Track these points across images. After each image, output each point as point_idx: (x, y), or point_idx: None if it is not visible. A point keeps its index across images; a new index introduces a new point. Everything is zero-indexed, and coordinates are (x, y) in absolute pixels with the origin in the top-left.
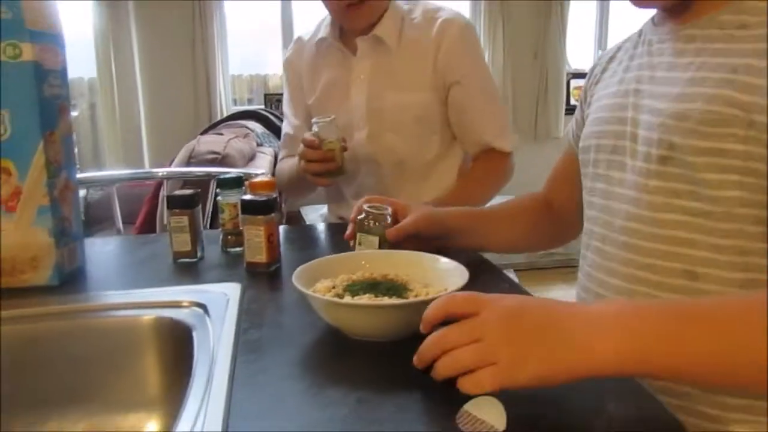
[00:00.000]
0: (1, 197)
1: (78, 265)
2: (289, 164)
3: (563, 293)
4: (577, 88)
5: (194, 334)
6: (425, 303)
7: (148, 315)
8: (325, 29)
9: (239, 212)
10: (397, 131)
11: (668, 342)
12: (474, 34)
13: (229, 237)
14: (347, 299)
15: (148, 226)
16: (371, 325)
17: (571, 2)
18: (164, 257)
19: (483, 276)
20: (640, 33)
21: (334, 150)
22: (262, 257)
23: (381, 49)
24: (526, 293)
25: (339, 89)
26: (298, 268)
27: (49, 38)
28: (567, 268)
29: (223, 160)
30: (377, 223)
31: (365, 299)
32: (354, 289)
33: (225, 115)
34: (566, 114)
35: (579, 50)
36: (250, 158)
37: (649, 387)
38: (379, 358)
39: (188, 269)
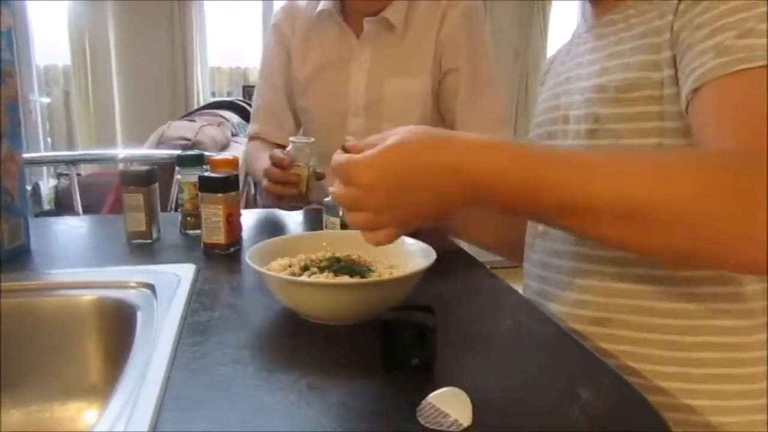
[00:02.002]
0: None
1: (21, 243)
2: (261, 158)
3: None
4: None
5: (139, 315)
6: (386, 283)
7: (90, 295)
8: (327, 2)
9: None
10: (394, 121)
11: (523, 167)
12: (478, 16)
13: (189, 218)
14: (303, 278)
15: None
16: (328, 307)
17: (553, 3)
18: (118, 238)
19: (455, 261)
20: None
21: (300, 175)
22: (220, 238)
23: (387, 32)
24: (492, 274)
25: (336, 70)
26: (254, 246)
27: None
28: None
29: (193, 147)
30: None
31: (322, 278)
32: (312, 268)
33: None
34: None
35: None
36: (224, 147)
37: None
38: (337, 342)
39: (142, 251)
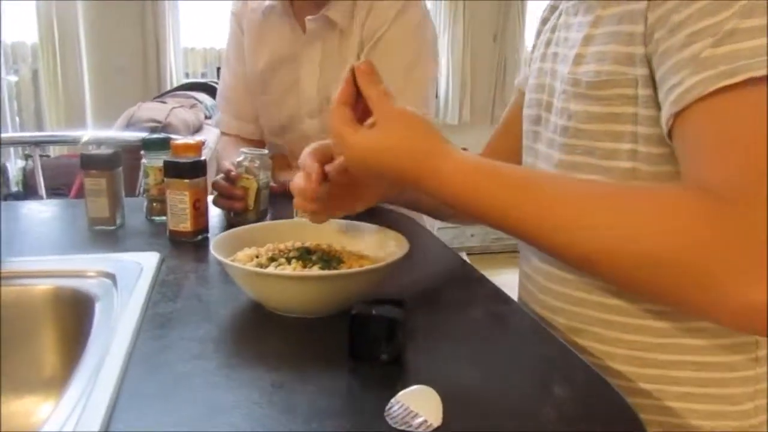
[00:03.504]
0: None
1: None
2: (227, 158)
3: (513, 277)
4: None
5: (97, 306)
6: (355, 275)
7: (46, 285)
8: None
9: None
10: None
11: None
12: (412, 20)
13: (154, 204)
14: (269, 269)
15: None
16: (295, 299)
17: None
18: (81, 224)
19: (427, 248)
20: None
21: (248, 188)
22: (186, 225)
23: (332, 32)
24: (468, 265)
25: (287, 69)
26: (220, 235)
27: None
28: (517, 253)
29: (164, 129)
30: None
31: (289, 269)
32: (279, 258)
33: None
34: None
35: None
36: (196, 130)
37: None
38: (305, 335)
39: (105, 238)
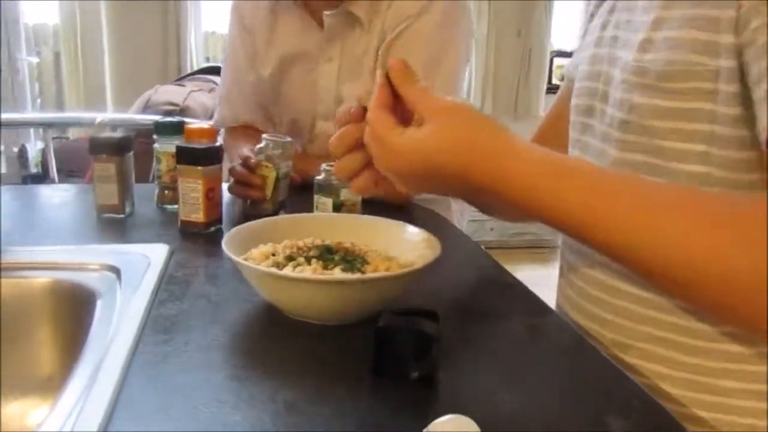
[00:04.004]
0: None
1: None
2: (238, 147)
3: (531, 273)
4: (560, 67)
5: (99, 303)
6: (381, 281)
7: (44, 278)
8: None
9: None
10: None
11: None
12: (434, 18)
13: (166, 191)
14: (287, 270)
15: None
16: (315, 305)
17: None
18: (89, 212)
19: (457, 248)
20: None
21: (267, 177)
22: (198, 216)
23: (352, 29)
24: (502, 269)
25: (300, 68)
26: (233, 229)
27: None
28: (537, 249)
29: (181, 113)
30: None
31: (309, 271)
32: (298, 258)
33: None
34: (548, 93)
35: (564, 28)
36: (213, 115)
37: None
38: (324, 346)
39: (112, 226)
